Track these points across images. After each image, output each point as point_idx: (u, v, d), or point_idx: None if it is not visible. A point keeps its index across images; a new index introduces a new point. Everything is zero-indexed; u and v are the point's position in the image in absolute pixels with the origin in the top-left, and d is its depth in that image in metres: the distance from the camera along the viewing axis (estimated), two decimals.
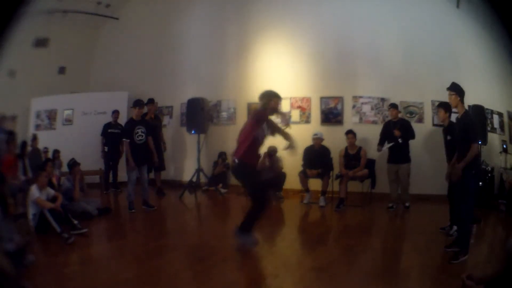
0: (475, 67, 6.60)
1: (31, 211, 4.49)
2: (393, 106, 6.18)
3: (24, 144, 6.47)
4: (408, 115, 6.75)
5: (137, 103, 5.88)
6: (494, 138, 6.66)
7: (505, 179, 6.29)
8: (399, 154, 5.97)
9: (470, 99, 5.45)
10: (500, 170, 6.43)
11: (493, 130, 6.79)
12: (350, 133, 6.30)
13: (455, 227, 4.48)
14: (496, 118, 6.93)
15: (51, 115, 8.21)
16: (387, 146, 6.07)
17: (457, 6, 6.75)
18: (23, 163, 5.82)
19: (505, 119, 6.98)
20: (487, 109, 6.40)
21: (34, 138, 7.12)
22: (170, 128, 8.23)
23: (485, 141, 5.97)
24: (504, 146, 6.69)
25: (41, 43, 8.16)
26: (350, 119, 7.03)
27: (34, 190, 4.49)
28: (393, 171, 6.04)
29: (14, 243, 3.25)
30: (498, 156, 6.55)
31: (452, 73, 6.29)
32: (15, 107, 7.62)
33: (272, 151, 6.49)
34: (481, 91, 6.43)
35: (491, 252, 4.20)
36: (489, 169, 6.34)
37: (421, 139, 6.46)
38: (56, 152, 7.25)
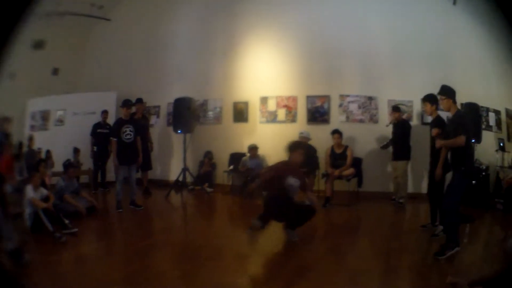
0: (472, 64, 6.47)
1: (27, 211, 4.54)
2: (395, 109, 6.17)
3: (20, 145, 6.58)
4: None
5: (125, 103, 5.91)
6: (489, 136, 6.41)
7: (502, 177, 6.04)
8: (396, 151, 6.11)
9: (465, 97, 5.31)
10: (496, 169, 6.21)
11: (489, 128, 6.56)
12: (336, 133, 6.20)
13: (441, 227, 4.31)
14: (492, 116, 6.69)
15: (45, 116, 8.33)
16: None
17: (454, 3, 6.63)
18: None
19: (503, 116, 6.75)
20: (482, 106, 6.22)
21: (30, 138, 7.23)
22: (157, 127, 8.22)
23: (479, 140, 5.74)
24: (501, 144, 6.43)
25: (39, 45, 8.30)
26: (336, 118, 6.92)
27: (29, 190, 4.55)
28: (393, 168, 6.27)
29: (13, 242, 3.27)
30: (494, 154, 6.31)
31: (448, 70, 6.20)
32: (13, 109, 7.75)
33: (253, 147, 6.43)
34: (478, 89, 6.28)
35: (486, 252, 4.08)
36: (483, 167, 6.10)
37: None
38: (48, 152, 7.36)
